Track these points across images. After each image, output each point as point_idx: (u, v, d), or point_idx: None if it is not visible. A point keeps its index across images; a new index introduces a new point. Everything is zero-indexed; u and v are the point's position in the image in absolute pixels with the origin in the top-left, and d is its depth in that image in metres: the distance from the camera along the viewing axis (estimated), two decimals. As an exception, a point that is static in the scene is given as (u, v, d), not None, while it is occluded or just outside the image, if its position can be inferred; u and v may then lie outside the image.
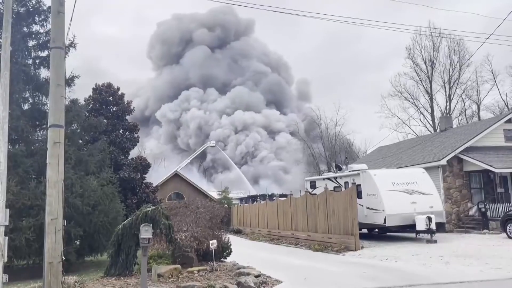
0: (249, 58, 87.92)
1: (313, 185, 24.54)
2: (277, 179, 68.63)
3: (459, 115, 44.23)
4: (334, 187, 21.69)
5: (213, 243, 12.20)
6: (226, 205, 34.69)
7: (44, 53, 14.71)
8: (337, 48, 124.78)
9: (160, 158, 64.53)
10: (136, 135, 25.19)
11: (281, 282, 10.36)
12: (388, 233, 20.31)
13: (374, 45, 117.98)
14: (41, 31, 14.76)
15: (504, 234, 17.86)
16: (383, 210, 17.56)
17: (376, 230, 20.44)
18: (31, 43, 14.70)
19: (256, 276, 10.44)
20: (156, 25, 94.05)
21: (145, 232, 9.64)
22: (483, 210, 20.57)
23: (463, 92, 43.24)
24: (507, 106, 41.93)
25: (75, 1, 9.79)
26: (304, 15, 23.76)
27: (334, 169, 35.21)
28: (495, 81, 42.18)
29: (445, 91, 43.62)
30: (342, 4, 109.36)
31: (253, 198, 39.69)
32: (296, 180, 63.89)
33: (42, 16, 14.59)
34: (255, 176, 70.28)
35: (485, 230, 19.91)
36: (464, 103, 44.08)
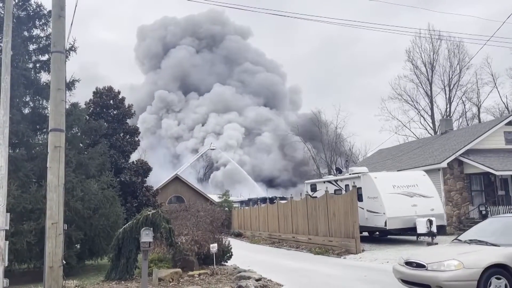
0: (243, 63, 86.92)
1: (313, 188, 24.52)
2: (258, 181, 68.10)
3: (460, 117, 44.35)
4: (335, 190, 21.68)
5: (213, 247, 12.18)
6: (226, 208, 34.65)
7: (45, 57, 14.72)
8: (334, 53, 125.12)
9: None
10: (136, 139, 25.16)
11: (282, 285, 10.34)
12: (389, 236, 20.28)
13: (371, 49, 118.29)
14: (42, 35, 14.78)
15: (505, 237, 17.82)
16: (384, 213, 17.54)
17: (377, 233, 20.40)
18: (31, 47, 14.70)
19: (257, 280, 10.43)
20: (140, 36, 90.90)
21: (146, 236, 9.64)
22: (484, 212, 20.55)
23: (463, 94, 43.38)
24: (507, 109, 41.99)
25: (76, 5, 9.83)
26: (302, 17, 23.81)
27: (335, 172, 35.24)
28: (495, 83, 42.31)
29: (445, 94, 43.73)
30: (337, 9, 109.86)
31: (254, 201, 39.65)
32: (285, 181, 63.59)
33: (43, 20, 14.61)
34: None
35: (486, 233, 19.86)
36: (465, 106, 44.20)
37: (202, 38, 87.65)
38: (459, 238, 9.39)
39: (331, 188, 21.71)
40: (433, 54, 43.49)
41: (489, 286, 7.30)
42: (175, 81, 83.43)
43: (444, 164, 22.19)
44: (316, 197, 21.43)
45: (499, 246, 7.89)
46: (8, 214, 8.03)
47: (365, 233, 20.28)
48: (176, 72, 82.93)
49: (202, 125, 78.95)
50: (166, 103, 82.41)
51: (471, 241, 8.56)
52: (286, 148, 69.26)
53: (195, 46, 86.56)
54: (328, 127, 51.21)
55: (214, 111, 79.48)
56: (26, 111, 14.21)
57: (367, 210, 18.67)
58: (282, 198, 35.00)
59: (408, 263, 8.21)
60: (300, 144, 56.41)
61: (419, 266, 7.87)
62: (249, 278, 10.45)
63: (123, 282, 10.86)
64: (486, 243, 8.17)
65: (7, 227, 7.97)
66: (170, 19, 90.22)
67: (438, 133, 36.65)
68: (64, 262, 8.22)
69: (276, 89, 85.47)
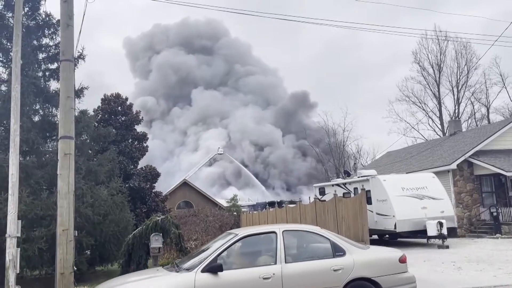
0: (240, 69, 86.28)
1: (322, 191, 24.45)
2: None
3: (468, 118, 43.94)
4: (344, 193, 21.60)
5: (223, 251, 12.19)
6: (235, 213, 34.63)
7: (54, 66, 14.92)
8: (336, 57, 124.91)
9: None
10: (145, 145, 25.32)
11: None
12: (399, 239, 20.14)
13: (374, 53, 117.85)
14: (51, 43, 15.00)
15: (517, 239, 17.62)
16: (394, 216, 17.43)
17: (387, 236, 20.29)
18: (41, 55, 14.91)
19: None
20: (130, 50, 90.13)
21: (156, 241, 9.71)
22: (495, 214, 20.32)
23: (472, 95, 42.99)
24: (517, 109, 41.55)
25: (84, 14, 9.96)
26: (305, 21, 23.87)
27: (343, 175, 35.10)
28: (504, 83, 41.89)
29: (454, 95, 43.39)
30: (339, 13, 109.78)
31: (262, 205, 39.62)
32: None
33: (52, 29, 14.82)
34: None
35: (497, 235, 19.66)
36: (473, 106, 43.79)
37: (198, 49, 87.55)
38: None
39: (340, 192, 21.63)
40: (440, 55, 43.26)
41: None
42: (167, 89, 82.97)
43: (453, 166, 22.00)
44: (324, 200, 21.36)
45: (178, 272, 6.45)
46: (20, 221, 8.13)
47: (375, 236, 20.16)
48: (170, 79, 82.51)
49: (183, 145, 78.30)
50: (150, 115, 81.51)
51: (176, 264, 7.04)
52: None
53: (191, 55, 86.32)
54: (336, 130, 51.06)
55: (202, 120, 78.82)
56: (36, 119, 14.38)
57: (377, 213, 18.57)
58: (291, 202, 34.96)
59: None
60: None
61: None
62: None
63: None
64: (176, 267, 6.72)
65: (19, 234, 8.06)
66: (163, 29, 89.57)
67: (447, 134, 36.38)
68: (75, 268, 8.28)
69: (276, 93, 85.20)
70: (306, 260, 6.72)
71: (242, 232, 7.01)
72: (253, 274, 6.30)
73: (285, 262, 6.48)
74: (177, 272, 6.43)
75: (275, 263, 6.46)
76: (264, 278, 6.26)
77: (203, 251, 7.06)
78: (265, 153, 73.44)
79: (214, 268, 6.19)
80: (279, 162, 71.67)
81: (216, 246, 6.76)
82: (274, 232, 6.85)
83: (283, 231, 6.83)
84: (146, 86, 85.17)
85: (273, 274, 6.31)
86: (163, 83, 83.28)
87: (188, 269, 6.35)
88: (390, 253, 7.36)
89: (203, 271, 6.18)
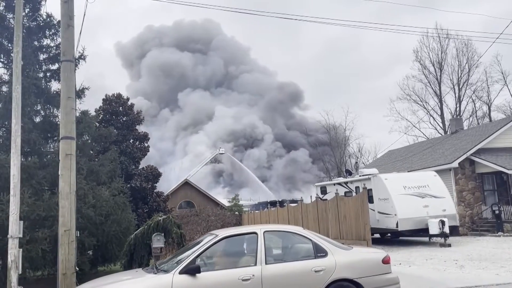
0: (236, 69, 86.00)
1: (323, 190, 24.45)
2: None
3: (470, 116, 43.83)
4: (345, 192, 21.59)
5: (225, 251, 12.18)
6: (236, 212, 34.65)
7: (55, 66, 14.89)
8: (336, 58, 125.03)
9: None
10: (146, 145, 25.35)
11: None
12: (400, 238, 20.12)
13: (375, 52, 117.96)
14: (52, 44, 14.96)
15: (519, 237, 17.59)
16: (395, 215, 17.42)
17: (389, 234, 20.26)
18: (41, 56, 14.88)
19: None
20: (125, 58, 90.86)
21: (157, 241, 9.70)
22: (497, 212, 20.29)
23: (473, 93, 42.87)
24: (518, 106, 41.43)
25: (84, 15, 9.97)
26: (307, 20, 23.88)
27: (345, 174, 35.11)
28: (505, 81, 41.77)
29: (455, 93, 43.30)
30: (340, 12, 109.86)
31: (264, 205, 39.66)
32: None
33: (53, 30, 14.80)
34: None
35: (499, 233, 19.63)
36: (475, 104, 43.69)
37: (193, 49, 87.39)
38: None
39: (341, 191, 21.63)
40: (441, 53, 43.14)
41: None
42: (161, 91, 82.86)
43: (455, 164, 21.97)
44: (326, 199, 21.35)
45: (155, 274, 6.34)
46: (21, 222, 8.14)
47: (377, 235, 20.15)
48: (164, 81, 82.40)
49: (172, 153, 78.36)
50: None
51: (156, 266, 6.88)
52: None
53: (187, 55, 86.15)
54: (337, 129, 51.01)
55: (192, 123, 78.70)
56: (38, 119, 14.36)
57: (378, 212, 18.55)
58: (293, 201, 34.96)
59: None
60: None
61: None
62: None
63: None
64: (155, 269, 6.57)
65: (21, 235, 8.08)
66: (157, 32, 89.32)
67: (448, 132, 36.32)
68: (77, 268, 8.29)
69: (274, 94, 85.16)
70: (287, 261, 6.65)
71: (222, 233, 6.90)
72: (232, 276, 6.20)
73: (266, 263, 6.37)
74: (155, 273, 6.35)
75: (255, 264, 6.36)
76: (244, 280, 6.15)
77: (184, 251, 6.96)
78: (247, 153, 73.56)
79: (191, 269, 6.09)
80: (259, 161, 71.79)
81: (195, 247, 6.66)
82: (255, 233, 6.72)
83: (264, 232, 6.72)
84: (140, 88, 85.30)
85: (253, 275, 6.21)
86: (157, 85, 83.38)
87: (166, 271, 6.27)
88: (373, 254, 7.24)
89: (180, 272, 6.08)
